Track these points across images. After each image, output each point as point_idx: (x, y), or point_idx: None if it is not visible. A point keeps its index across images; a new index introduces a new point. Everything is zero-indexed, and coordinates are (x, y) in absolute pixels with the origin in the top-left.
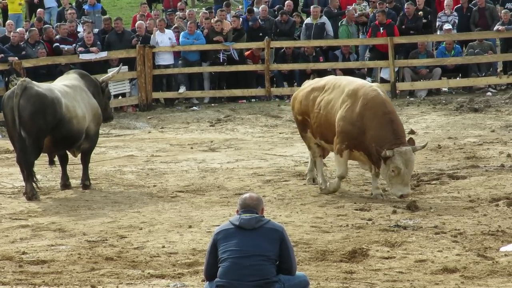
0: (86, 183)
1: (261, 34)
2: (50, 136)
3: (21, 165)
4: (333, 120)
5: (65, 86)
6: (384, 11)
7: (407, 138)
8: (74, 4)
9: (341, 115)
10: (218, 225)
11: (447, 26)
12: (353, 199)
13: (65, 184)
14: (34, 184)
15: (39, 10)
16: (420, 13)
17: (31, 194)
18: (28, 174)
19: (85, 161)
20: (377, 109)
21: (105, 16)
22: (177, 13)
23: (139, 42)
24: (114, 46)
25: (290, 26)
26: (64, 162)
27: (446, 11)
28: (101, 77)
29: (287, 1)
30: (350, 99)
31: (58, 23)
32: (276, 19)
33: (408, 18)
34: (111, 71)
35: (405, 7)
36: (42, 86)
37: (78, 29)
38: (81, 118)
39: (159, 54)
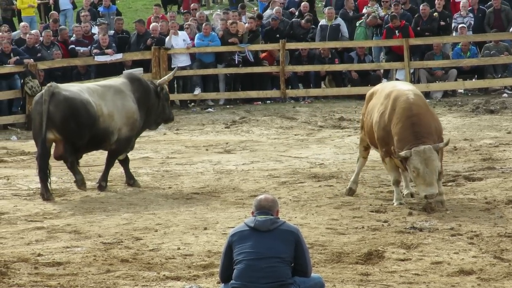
0: (102, 184)
1: (278, 35)
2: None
3: (39, 165)
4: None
5: (95, 85)
6: (396, 16)
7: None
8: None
9: (375, 121)
10: (233, 227)
11: (461, 26)
12: (368, 201)
13: (101, 185)
14: (48, 185)
15: (53, 12)
16: (435, 14)
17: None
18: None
19: (108, 163)
20: (401, 113)
21: (117, 17)
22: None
23: (154, 44)
24: (133, 48)
25: (306, 30)
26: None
27: (462, 13)
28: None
29: (303, 3)
30: (383, 104)
31: (76, 24)
32: (293, 19)
33: (423, 19)
34: (168, 74)
35: (421, 8)
36: (69, 89)
37: (93, 31)
38: (107, 117)
39: (175, 55)
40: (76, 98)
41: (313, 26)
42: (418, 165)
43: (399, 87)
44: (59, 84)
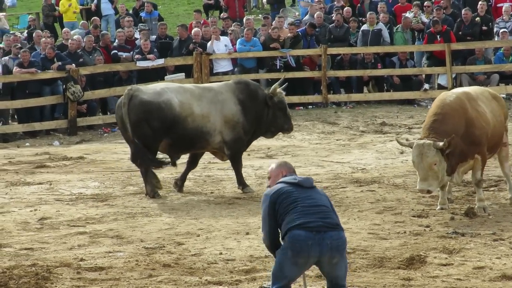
0: (240, 187)
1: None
2: (166, 138)
3: (138, 165)
4: None
5: (194, 86)
6: (437, 21)
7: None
8: (131, 11)
9: None
10: None
11: (503, 31)
12: (410, 205)
13: (177, 183)
14: (154, 183)
15: (94, 18)
16: (477, 19)
17: (152, 193)
18: (145, 176)
19: (233, 167)
20: (430, 112)
21: (160, 22)
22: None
23: (196, 49)
24: (175, 53)
25: (345, 31)
26: (191, 167)
27: (504, 17)
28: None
29: (345, 8)
30: None
31: (119, 30)
32: (331, 25)
33: (465, 24)
34: (276, 83)
35: (463, 13)
36: (149, 91)
37: (135, 36)
38: (199, 117)
39: (217, 61)
40: (152, 102)
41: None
42: (414, 158)
43: (456, 89)
44: (141, 86)
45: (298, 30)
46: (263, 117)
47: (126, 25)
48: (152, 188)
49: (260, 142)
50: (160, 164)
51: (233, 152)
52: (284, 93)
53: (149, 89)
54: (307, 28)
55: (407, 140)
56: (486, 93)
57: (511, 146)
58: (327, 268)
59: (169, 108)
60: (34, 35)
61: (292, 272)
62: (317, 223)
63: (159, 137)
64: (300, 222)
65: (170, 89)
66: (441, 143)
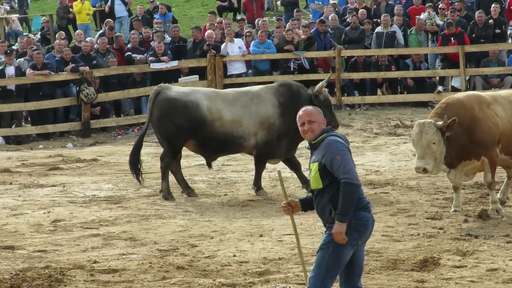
0: (254, 188)
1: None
2: (192, 139)
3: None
4: None
5: (230, 90)
6: (451, 23)
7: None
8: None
9: None
10: (290, 234)
11: None
12: (424, 207)
13: (256, 189)
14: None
15: (107, 20)
16: (491, 21)
17: (166, 194)
18: (163, 174)
19: (255, 167)
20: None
21: (173, 25)
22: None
23: (209, 51)
24: (189, 55)
25: (360, 33)
26: (296, 169)
27: None
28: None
29: (360, 10)
30: None
31: (133, 31)
32: (346, 28)
33: (479, 26)
34: (322, 81)
35: (477, 15)
36: (177, 90)
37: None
38: (228, 122)
39: (230, 63)
40: (179, 99)
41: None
42: (414, 136)
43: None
44: (171, 85)
45: (311, 32)
46: None
47: (136, 27)
48: (167, 187)
49: None
50: (136, 176)
51: (260, 154)
52: (327, 90)
53: (179, 88)
54: (317, 26)
55: (411, 121)
56: None
57: None
58: (360, 250)
59: (195, 108)
60: (56, 35)
61: (348, 257)
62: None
63: (183, 136)
64: (365, 204)
65: (201, 92)
66: (440, 122)
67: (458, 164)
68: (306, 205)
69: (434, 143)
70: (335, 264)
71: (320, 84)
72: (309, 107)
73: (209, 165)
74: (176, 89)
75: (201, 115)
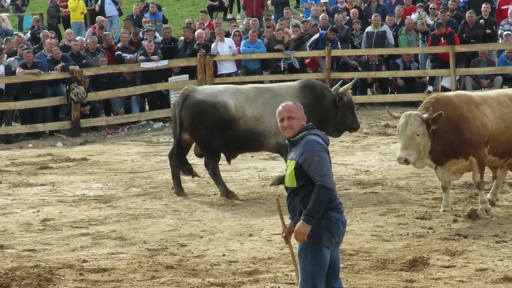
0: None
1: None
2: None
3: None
4: None
5: (251, 87)
6: (441, 23)
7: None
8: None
9: None
10: (279, 234)
11: (506, 33)
12: (413, 207)
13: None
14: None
15: (101, 18)
16: (481, 21)
17: (178, 191)
18: (174, 175)
19: None
20: None
21: (165, 25)
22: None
23: (200, 50)
24: (180, 54)
25: (346, 32)
26: None
27: (509, 20)
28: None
29: (352, 10)
30: None
31: (123, 30)
32: (332, 26)
33: (469, 26)
34: (349, 84)
35: (467, 15)
36: (205, 91)
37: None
38: (250, 119)
39: (221, 62)
40: (207, 102)
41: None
42: (399, 127)
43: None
44: (197, 87)
45: (320, 32)
46: (331, 117)
47: (127, 26)
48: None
49: None
50: (189, 173)
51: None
52: (351, 91)
53: (206, 89)
54: (328, 32)
55: (401, 112)
56: (503, 97)
57: None
58: (334, 251)
59: (224, 109)
60: (41, 35)
61: (328, 257)
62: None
63: (216, 137)
64: (336, 204)
65: (227, 91)
66: (426, 114)
67: (445, 162)
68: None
69: (418, 135)
70: (318, 268)
71: (345, 86)
72: (290, 102)
73: (229, 161)
74: (203, 91)
75: (230, 115)
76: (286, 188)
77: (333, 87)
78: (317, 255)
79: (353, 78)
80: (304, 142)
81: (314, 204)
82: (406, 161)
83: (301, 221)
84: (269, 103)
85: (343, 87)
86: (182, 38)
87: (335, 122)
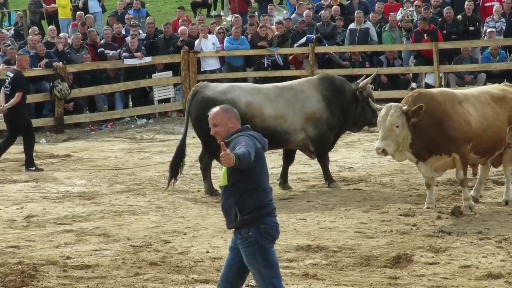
0: (326, 182)
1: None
2: None
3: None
4: None
5: (272, 86)
6: (425, 18)
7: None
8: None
9: None
10: None
11: (490, 30)
12: (397, 204)
13: (280, 182)
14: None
15: (87, 15)
16: (459, 17)
17: (209, 191)
18: (205, 173)
19: (320, 163)
20: None
21: (148, 20)
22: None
23: (183, 47)
24: (161, 50)
25: (332, 29)
26: (287, 162)
27: (494, 17)
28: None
29: (334, 7)
30: None
31: (106, 27)
32: (318, 24)
33: (448, 23)
34: (368, 78)
35: (445, 11)
36: (216, 89)
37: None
38: (270, 117)
39: (204, 59)
40: (215, 99)
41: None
42: (380, 118)
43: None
44: (210, 83)
45: (306, 36)
46: (351, 111)
47: (111, 22)
48: (210, 186)
49: None
50: (170, 180)
51: (318, 148)
52: (372, 87)
53: (217, 87)
54: (314, 40)
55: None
56: (484, 96)
57: None
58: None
59: (233, 106)
60: (30, 31)
61: (276, 257)
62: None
63: None
64: (272, 209)
65: (240, 89)
66: (406, 107)
67: (427, 157)
68: None
69: (397, 126)
70: (271, 269)
71: (365, 80)
72: (215, 109)
73: None
74: (214, 88)
75: (240, 112)
76: (221, 188)
77: (354, 82)
78: (266, 257)
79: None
80: (235, 141)
81: (240, 154)
82: (384, 152)
83: (232, 154)
84: (291, 101)
85: (363, 81)
86: (162, 35)
87: (354, 116)
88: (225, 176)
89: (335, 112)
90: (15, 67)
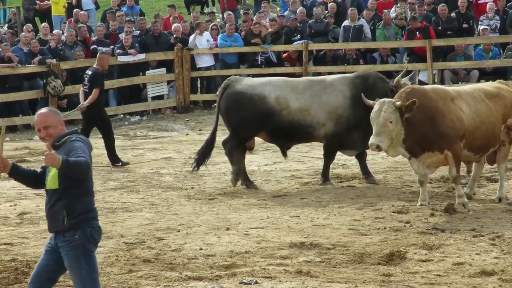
0: (321, 179)
1: (298, 36)
2: (263, 130)
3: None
4: None
5: (300, 79)
6: (415, 18)
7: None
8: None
9: None
10: (256, 228)
11: (482, 27)
12: (390, 201)
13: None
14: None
15: (81, 12)
16: (453, 14)
17: (234, 182)
18: (230, 158)
19: (324, 158)
20: None
21: (140, 17)
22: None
23: (177, 44)
24: (151, 48)
25: (325, 26)
26: (360, 157)
27: (488, 15)
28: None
29: (330, 4)
30: None
31: (99, 24)
32: (310, 21)
33: (442, 19)
34: (399, 75)
35: (439, 8)
36: (246, 83)
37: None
38: (295, 111)
39: (198, 56)
40: (245, 93)
41: (335, 26)
42: (373, 114)
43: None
44: (242, 78)
45: (297, 42)
46: None
47: (109, 19)
48: (234, 177)
49: None
50: (196, 165)
51: (328, 145)
52: (409, 83)
53: (248, 81)
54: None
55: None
56: (478, 93)
57: None
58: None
59: (262, 101)
60: (24, 28)
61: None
62: None
63: (250, 129)
64: (96, 213)
65: (272, 83)
66: (399, 102)
67: (420, 153)
68: (16, 174)
69: (391, 122)
70: (94, 272)
71: (398, 77)
72: (43, 110)
73: (283, 154)
74: (245, 82)
75: (269, 107)
76: (47, 191)
77: (395, 78)
78: (89, 261)
79: (331, 72)
80: (69, 145)
81: (74, 161)
82: (378, 148)
83: (60, 158)
84: (317, 95)
85: (396, 78)
86: (151, 32)
87: None
88: (55, 180)
89: (358, 112)
90: (95, 65)
